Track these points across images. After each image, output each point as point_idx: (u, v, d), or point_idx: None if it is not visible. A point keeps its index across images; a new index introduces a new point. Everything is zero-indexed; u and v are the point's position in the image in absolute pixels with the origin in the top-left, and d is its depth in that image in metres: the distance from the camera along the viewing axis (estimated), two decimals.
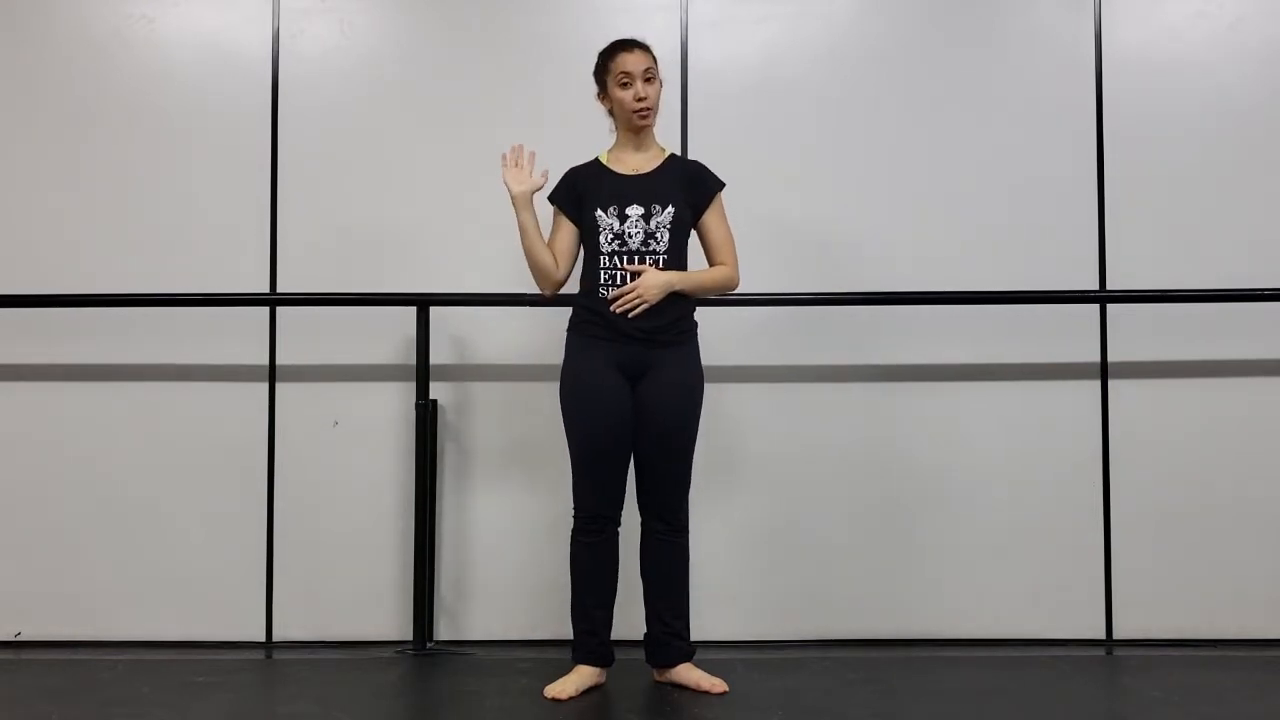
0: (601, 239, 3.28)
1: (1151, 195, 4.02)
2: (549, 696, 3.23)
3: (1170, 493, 3.97)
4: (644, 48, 3.36)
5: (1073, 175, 4.04)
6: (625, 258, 3.26)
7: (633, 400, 3.27)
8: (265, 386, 4.05)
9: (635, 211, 3.28)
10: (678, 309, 3.29)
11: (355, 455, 4.01)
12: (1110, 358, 4.01)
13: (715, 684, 3.29)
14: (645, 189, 3.30)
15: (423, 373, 3.89)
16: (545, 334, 3.87)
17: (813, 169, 4.06)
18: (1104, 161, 4.04)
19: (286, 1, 4.11)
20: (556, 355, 3.39)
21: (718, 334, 4.00)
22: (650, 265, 3.26)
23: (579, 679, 3.29)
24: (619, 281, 3.25)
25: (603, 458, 3.26)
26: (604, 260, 3.27)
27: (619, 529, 3.33)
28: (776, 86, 4.08)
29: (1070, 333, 4.01)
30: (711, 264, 3.41)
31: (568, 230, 3.37)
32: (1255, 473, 3.96)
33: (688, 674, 3.33)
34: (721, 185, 3.40)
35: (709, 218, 3.39)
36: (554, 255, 3.35)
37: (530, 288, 3.47)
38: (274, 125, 4.09)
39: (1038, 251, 4.01)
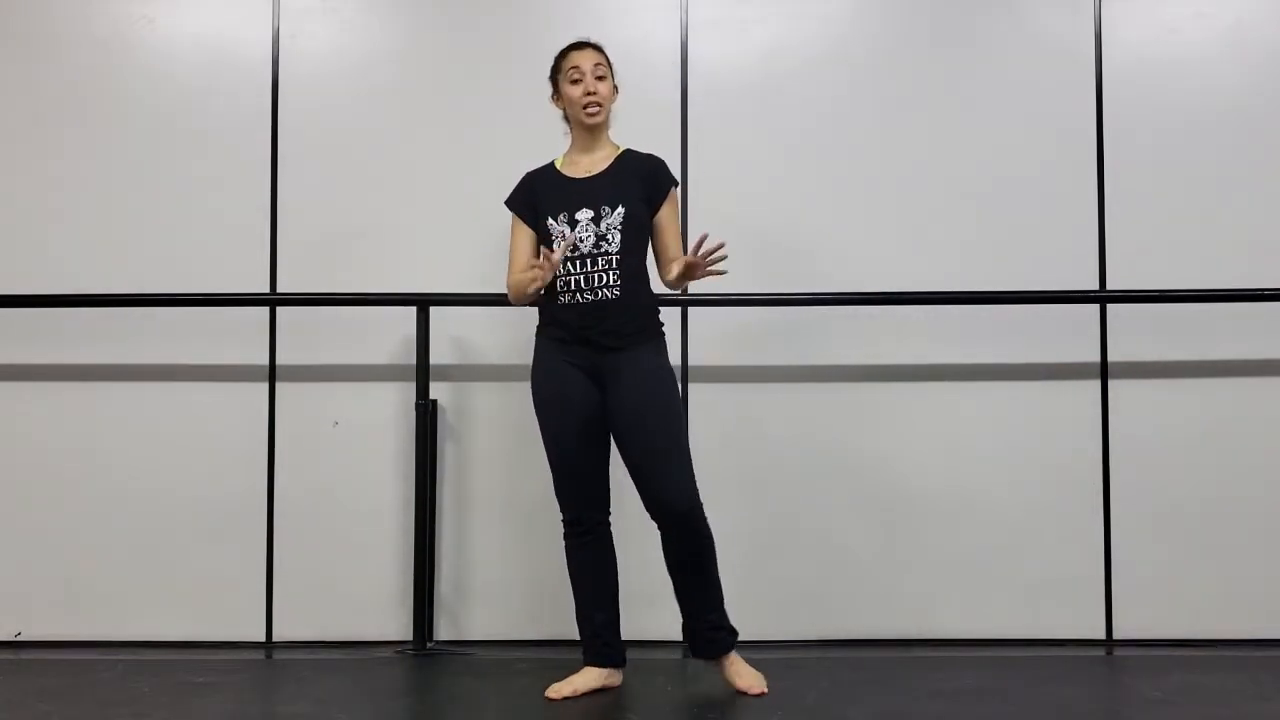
0: (555, 247, 3.25)
1: (1151, 195, 4.02)
2: (550, 697, 3.23)
3: (1170, 493, 3.96)
4: (596, 47, 3.37)
5: (1073, 175, 4.04)
6: (580, 262, 3.23)
7: (604, 404, 3.23)
8: (265, 386, 4.05)
9: (585, 215, 3.26)
10: (641, 312, 3.27)
11: (355, 455, 4.01)
12: (1110, 358, 4.01)
13: (753, 685, 3.25)
14: (594, 191, 3.28)
15: (423, 373, 3.89)
16: None
17: (813, 168, 4.06)
18: (1104, 161, 4.04)
19: (286, 1, 4.11)
20: None
21: (718, 334, 4.01)
22: (602, 267, 3.22)
23: (583, 679, 3.28)
24: (574, 287, 3.22)
25: (575, 457, 3.25)
26: (560, 267, 3.23)
27: (609, 528, 3.32)
28: (776, 86, 4.08)
29: (1070, 333, 4.00)
30: (661, 259, 3.37)
31: (528, 237, 3.34)
32: (1255, 473, 3.95)
33: (729, 668, 3.29)
34: (675, 183, 3.39)
35: (664, 214, 3.36)
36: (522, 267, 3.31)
37: None
38: (274, 125, 4.09)
39: (1038, 251, 4.01)
